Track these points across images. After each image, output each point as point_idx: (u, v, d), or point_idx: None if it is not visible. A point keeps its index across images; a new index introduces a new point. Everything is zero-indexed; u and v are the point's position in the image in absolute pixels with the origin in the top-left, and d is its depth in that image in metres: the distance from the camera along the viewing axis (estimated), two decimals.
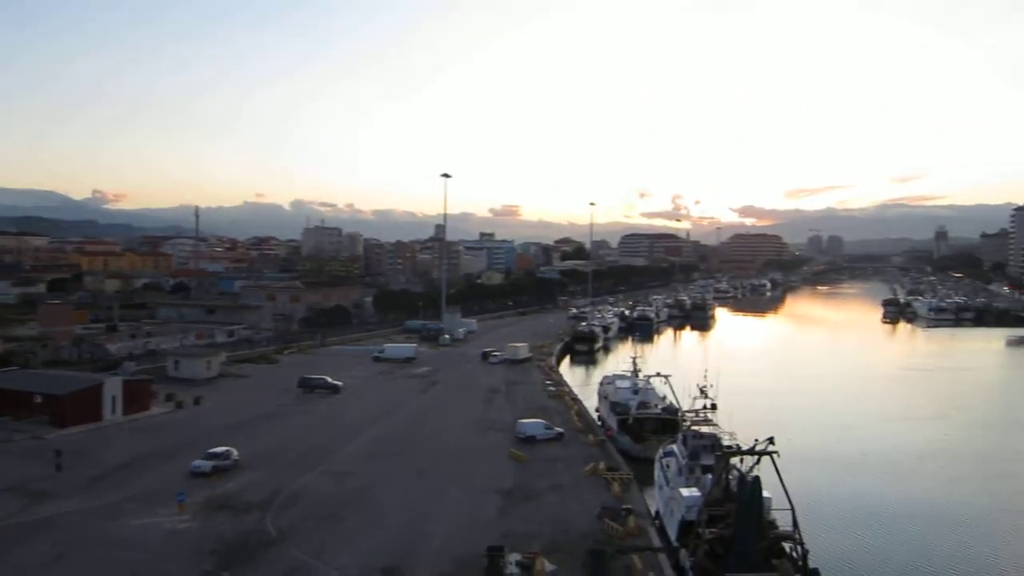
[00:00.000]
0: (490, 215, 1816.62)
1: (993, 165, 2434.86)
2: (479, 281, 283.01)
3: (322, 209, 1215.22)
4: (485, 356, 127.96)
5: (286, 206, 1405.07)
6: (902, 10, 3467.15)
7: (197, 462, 60.70)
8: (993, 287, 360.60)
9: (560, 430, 75.32)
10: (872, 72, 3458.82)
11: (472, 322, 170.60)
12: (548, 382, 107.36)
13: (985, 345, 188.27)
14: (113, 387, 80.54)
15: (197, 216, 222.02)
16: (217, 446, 63.59)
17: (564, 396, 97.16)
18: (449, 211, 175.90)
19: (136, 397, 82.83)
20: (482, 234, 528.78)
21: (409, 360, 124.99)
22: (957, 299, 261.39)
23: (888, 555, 52.13)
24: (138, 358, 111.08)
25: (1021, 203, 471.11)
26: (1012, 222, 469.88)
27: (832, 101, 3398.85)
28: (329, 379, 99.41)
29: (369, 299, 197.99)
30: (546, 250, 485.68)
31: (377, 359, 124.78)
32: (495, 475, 61.58)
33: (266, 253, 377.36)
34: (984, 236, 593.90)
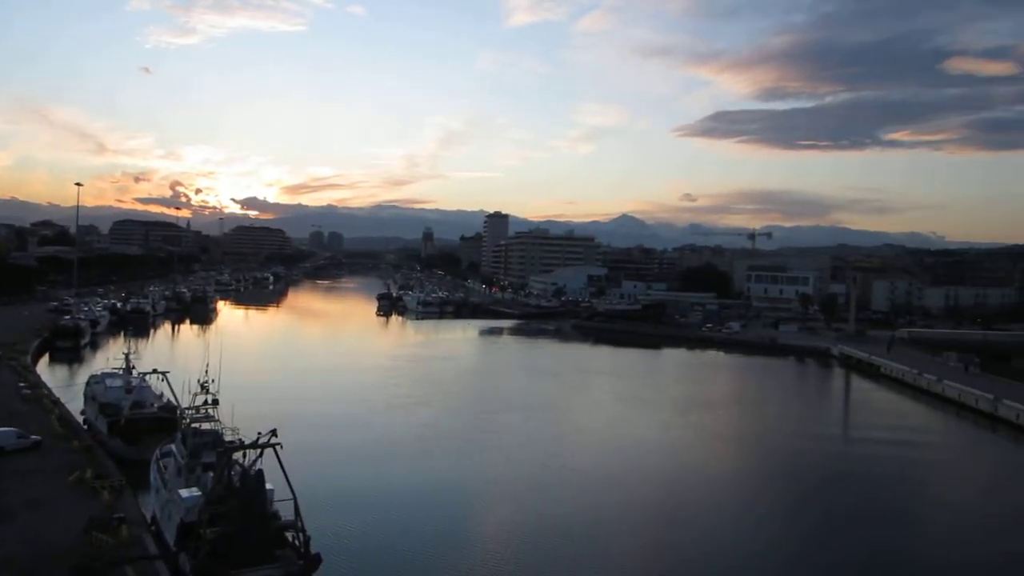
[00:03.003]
0: None
1: (472, 177, 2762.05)
2: None
3: None
4: None
5: None
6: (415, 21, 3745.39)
7: None
8: (470, 283, 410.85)
9: (37, 438, 66.90)
10: (373, 78, 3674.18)
11: None
12: (22, 384, 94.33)
13: (463, 335, 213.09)
14: None
15: None
16: None
17: (42, 399, 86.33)
18: None
19: None
20: None
21: None
22: (441, 294, 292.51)
23: (379, 527, 56.87)
24: None
25: (492, 211, 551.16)
26: (484, 227, 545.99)
27: (334, 103, 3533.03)
28: None
29: None
30: (20, 233, 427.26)
31: None
32: None
33: None
34: (463, 239, 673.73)
